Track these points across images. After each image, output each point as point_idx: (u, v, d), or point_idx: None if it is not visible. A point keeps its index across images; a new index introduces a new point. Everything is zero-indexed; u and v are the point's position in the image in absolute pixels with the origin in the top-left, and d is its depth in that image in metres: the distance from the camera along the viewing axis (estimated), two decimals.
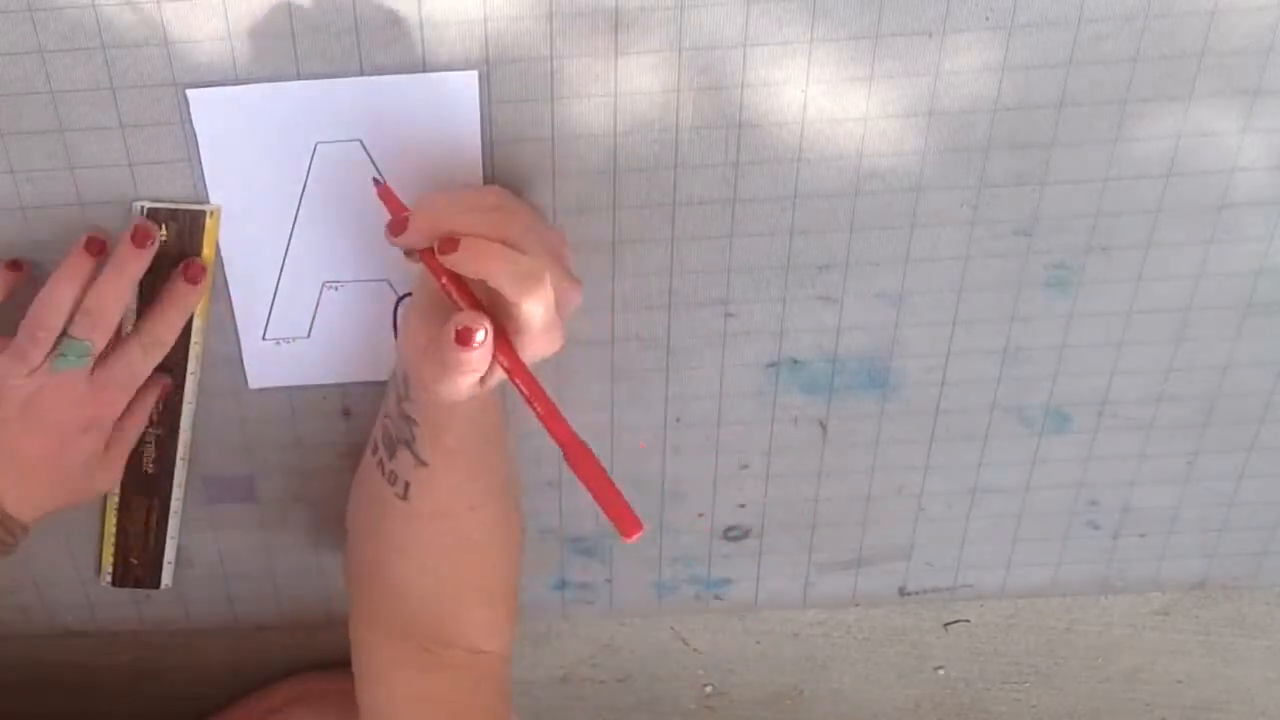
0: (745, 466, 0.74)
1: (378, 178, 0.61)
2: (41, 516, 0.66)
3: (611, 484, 0.55)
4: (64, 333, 0.61)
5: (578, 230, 0.64)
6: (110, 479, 0.67)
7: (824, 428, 0.72)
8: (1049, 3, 0.58)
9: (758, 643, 0.90)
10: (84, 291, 0.61)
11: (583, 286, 0.59)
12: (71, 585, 0.78)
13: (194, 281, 0.63)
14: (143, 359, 0.63)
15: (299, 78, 0.59)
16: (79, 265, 0.61)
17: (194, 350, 0.67)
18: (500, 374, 0.57)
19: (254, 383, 0.69)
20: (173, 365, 0.66)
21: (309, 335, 0.67)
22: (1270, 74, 0.60)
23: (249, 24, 0.58)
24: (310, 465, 0.73)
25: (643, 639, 0.89)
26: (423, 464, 0.62)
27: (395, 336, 0.67)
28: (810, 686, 0.93)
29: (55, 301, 0.60)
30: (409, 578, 0.66)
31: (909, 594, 0.81)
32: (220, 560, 0.77)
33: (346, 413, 0.71)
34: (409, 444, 0.62)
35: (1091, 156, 0.62)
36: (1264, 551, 0.79)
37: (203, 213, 0.62)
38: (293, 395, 0.70)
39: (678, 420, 0.72)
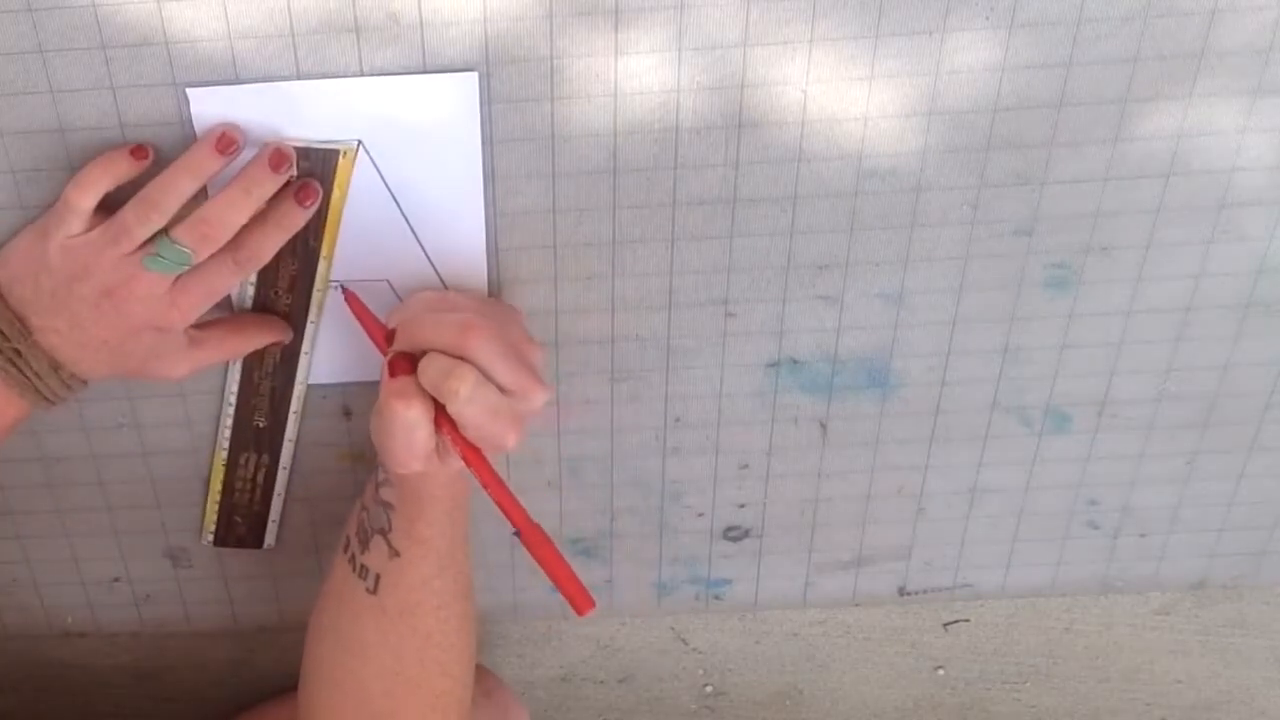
0: (745, 466, 0.74)
1: (346, 287, 0.64)
2: (103, 379, 0.63)
3: (565, 562, 0.58)
4: (165, 230, 0.58)
5: (578, 230, 0.64)
6: (177, 374, 0.63)
7: (824, 428, 0.72)
8: (1049, 2, 0.58)
9: (758, 643, 0.90)
10: (203, 188, 0.58)
11: (547, 390, 0.60)
12: (71, 585, 0.78)
13: (303, 203, 0.60)
14: (232, 273, 0.60)
15: (299, 78, 0.59)
16: (205, 162, 0.58)
17: (316, 297, 0.65)
18: (454, 455, 0.59)
19: None
20: (294, 311, 0.65)
21: None
22: (1270, 73, 0.60)
23: (249, 24, 0.58)
24: (310, 465, 0.73)
25: (643, 639, 0.89)
26: (396, 554, 0.63)
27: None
28: (810, 686, 0.93)
29: (174, 188, 0.57)
30: (369, 681, 0.65)
31: (909, 594, 0.81)
32: (220, 560, 0.77)
33: (346, 413, 0.71)
34: (385, 533, 0.63)
35: (1091, 156, 0.62)
36: (1264, 551, 0.79)
37: (335, 152, 0.60)
38: None
39: (678, 420, 0.72)
